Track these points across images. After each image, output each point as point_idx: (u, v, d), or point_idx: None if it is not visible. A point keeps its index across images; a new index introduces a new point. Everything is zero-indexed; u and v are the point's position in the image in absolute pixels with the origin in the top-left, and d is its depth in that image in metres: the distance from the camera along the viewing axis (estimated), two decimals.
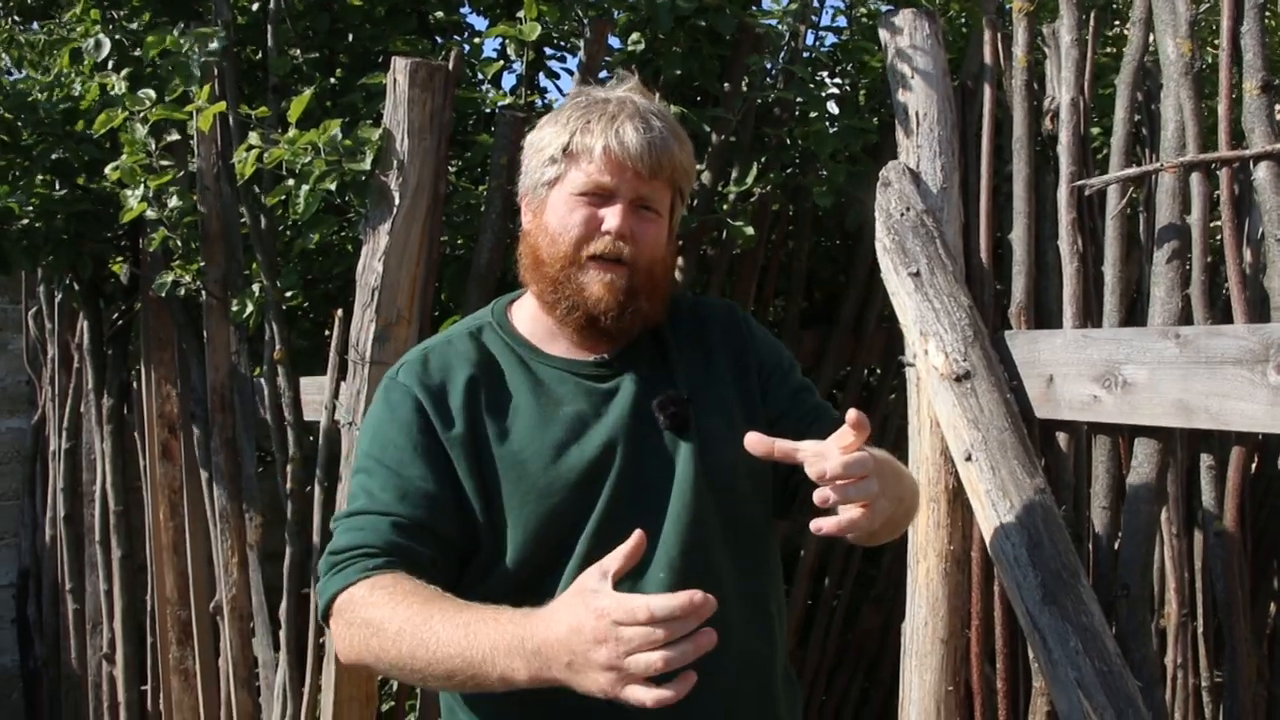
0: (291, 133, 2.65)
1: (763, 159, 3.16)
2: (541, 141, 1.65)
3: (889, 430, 3.69)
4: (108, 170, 3.26)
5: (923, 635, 2.10)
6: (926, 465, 2.14)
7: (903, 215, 2.24)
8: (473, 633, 1.31)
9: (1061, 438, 2.17)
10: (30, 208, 3.57)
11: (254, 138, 2.72)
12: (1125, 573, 2.01)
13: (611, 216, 1.60)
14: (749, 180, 3.06)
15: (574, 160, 1.60)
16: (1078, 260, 2.17)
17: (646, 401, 1.62)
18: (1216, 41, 2.10)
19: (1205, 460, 2.09)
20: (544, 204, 1.64)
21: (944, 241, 2.22)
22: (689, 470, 1.58)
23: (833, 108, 3.40)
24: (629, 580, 1.51)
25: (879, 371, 3.76)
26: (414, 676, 1.39)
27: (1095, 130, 3.02)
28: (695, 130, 3.11)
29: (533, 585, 1.53)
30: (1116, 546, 2.06)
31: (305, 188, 2.60)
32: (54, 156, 3.65)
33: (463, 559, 1.59)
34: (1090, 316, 2.19)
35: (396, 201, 2.61)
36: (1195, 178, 1.99)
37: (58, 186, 3.70)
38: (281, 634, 3.22)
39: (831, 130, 3.05)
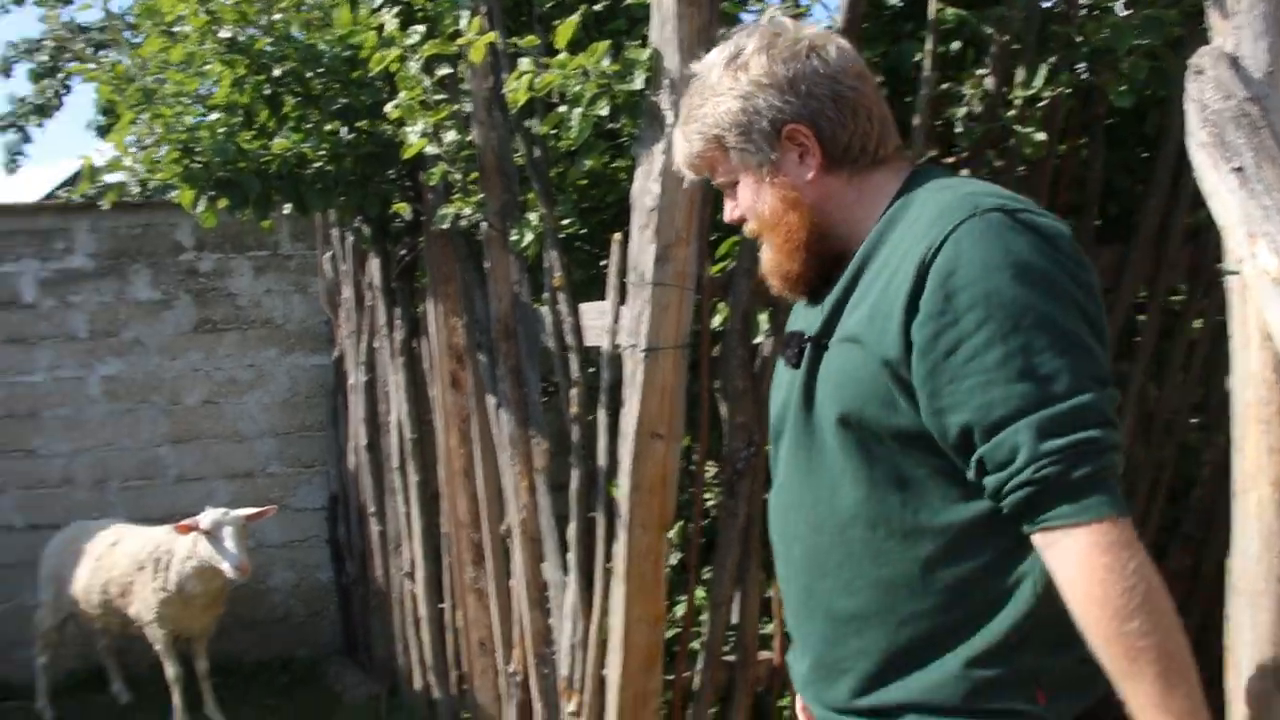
0: (561, 57, 2.65)
1: (1051, 60, 2.94)
2: None
3: (1195, 358, 3.39)
4: (388, 109, 3.38)
5: (1255, 572, 1.91)
6: (1255, 383, 1.93)
7: (1221, 105, 2.01)
8: None
9: None
10: (322, 152, 3.76)
11: (525, 63, 2.73)
12: None
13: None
14: (1037, 83, 2.86)
15: None
16: None
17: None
18: None
19: None
20: None
21: (1273, 131, 1.98)
22: (793, 405, 1.56)
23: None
24: None
25: (1184, 290, 3.46)
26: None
27: None
28: (976, 32, 2.93)
29: None
30: None
31: (578, 111, 2.60)
32: (338, 104, 3.83)
33: None
34: None
35: (669, 120, 2.57)
36: None
37: (343, 132, 3.89)
38: (570, 557, 3.30)
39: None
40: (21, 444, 5.93)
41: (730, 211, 1.64)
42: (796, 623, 1.62)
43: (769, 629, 3.29)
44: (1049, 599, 1.38)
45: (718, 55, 1.57)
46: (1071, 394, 1.31)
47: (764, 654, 3.25)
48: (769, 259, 1.59)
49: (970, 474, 1.38)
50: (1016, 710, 1.42)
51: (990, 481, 1.36)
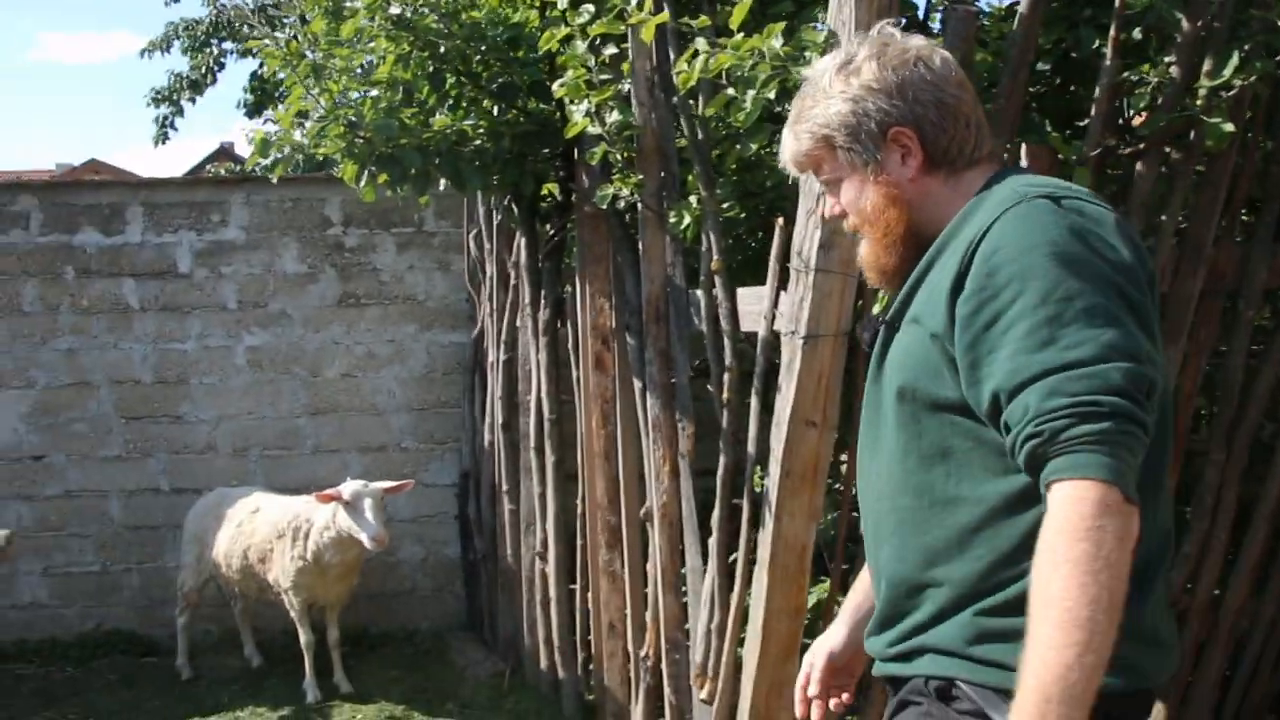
0: (736, 38, 2.63)
1: (1245, 46, 2.80)
2: None
3: None
4: (555, 87, 3.40)
5: None
6: None
7: None
8: None
9: None
10: (481, 130, 3.80)
11: (701, 43, 2.72)
12: None
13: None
14: (1226, 72, 2.73)
15: None
16: None
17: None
18: None
19: None
20: None
21: None
22: (868, 388, 1.69)
23: None
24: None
25: None
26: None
27: None
28: (1164, 16, 2.81)
29: None
30: None
31: (750, 94, 2.58)
32: (498, 83, 3.86)
33: None
34: None
35: None
36: None
37: (498, 111, 3.92)
38: (711, 542, 3.27)
39: None
40: (170, 410, 6.12)
41: (831, 208, 1.75)
42: (874, 591, 1.75)
43: None
44: None
45: (830, 61, 1.70)
46: (1091, 362, 1.37)
47: None
48: (866, 253, 1.71)
49: (1005, 441, 1.44)
50: (1009, 666, 1.43)
51: (1008, 441, 1.42)
